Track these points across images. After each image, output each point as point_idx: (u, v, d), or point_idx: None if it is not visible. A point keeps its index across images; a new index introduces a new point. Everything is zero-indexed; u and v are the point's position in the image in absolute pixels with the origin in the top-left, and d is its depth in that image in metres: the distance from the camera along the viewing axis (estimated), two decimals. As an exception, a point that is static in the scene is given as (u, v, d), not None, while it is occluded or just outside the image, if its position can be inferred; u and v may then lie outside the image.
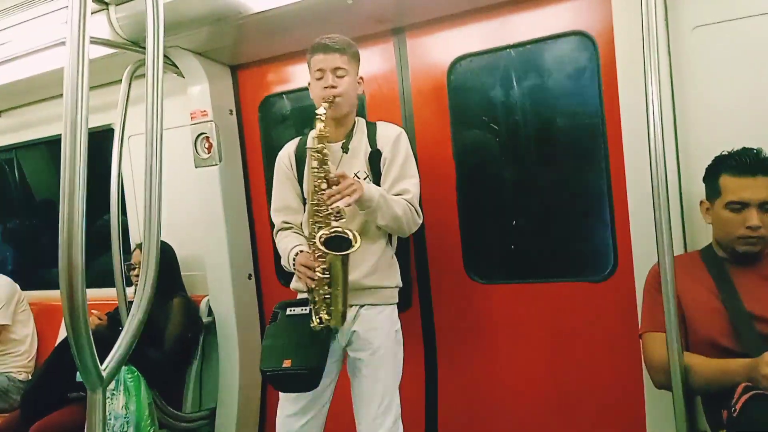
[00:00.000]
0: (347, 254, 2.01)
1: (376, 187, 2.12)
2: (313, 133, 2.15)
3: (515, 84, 2.77)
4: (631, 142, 2.32)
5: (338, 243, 2.03)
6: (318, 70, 2.20)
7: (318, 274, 2.04)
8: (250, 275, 3.31)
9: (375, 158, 2.25)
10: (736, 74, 2.20)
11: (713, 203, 1.98)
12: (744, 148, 1.93)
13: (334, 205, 2.03)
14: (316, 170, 2.09)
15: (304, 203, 2.30)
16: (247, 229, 3.35)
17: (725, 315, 1.88)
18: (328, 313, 2.06)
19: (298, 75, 3.23)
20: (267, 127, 3.34)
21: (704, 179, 2.03)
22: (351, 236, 2.04)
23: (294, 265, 2.18)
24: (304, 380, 2.11)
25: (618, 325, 2.53)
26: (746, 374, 1.70)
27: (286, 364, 2.08)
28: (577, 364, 2.67)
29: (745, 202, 1.87)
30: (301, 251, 2.18)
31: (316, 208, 2.08)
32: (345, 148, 2.26)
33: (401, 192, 2.20)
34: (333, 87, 2.17)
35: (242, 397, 3.16)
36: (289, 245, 2.26)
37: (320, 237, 2.03)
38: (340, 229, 2.06)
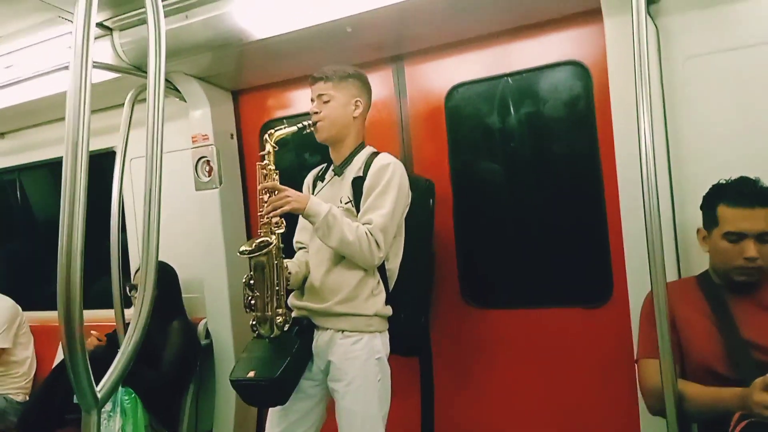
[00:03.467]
0: (261, 255, 2.09)
1: (328, 207, 2.14)
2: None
3: (512, 112, 2.81)
4: (624, 170, 2.34)
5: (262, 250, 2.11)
6: (311, 98, 2.35)
7: (243, 279, 2.14)
8: (248, 298, 3.31)
9: (358, 184, 2.28)
10: (728, 104, 2.23)
11: (711, 232, 1.97)
12: (742, 178, 1.93)
13: (268, 215, 2.13)
14: (261, 184, 2.20)
15: None
16: (246, 252, 3.35)
17: (722, 342, 1.88)
18: (258, 321, 2.15)
19: (299, 100, 3.26)
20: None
21: (701, 207, 2.03)
22: (270, 239, 2.11)
23: None
24: (266, 392, 2.16)
25: (613, 351, 2.52)
26: (740, 403, 1.69)
27: (250, 374, 2.14)
28: (573, 389, 2.66)
29: (743, 233, 1.86)
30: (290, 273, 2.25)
31: (261, 219, 2.17)
32: (338, 172, 2.35)
33: (366, 222, 2.18)
34: (316, 113, 2.30)
35: (238, 421, 3.15)
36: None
37: (242, 250, 2.12)
38: (263, 239, 2.13)
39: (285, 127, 2.27)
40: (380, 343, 2.23)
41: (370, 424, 2.14)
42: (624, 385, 2.42)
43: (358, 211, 2.25)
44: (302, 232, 2.44)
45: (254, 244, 2.11)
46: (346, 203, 2.27)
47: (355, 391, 2.15)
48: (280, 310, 2.16)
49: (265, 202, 2.16)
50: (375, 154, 2.35)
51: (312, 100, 2.34)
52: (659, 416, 1.91)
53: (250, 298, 2.13)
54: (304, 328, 2.24)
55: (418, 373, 2.94)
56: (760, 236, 1.86)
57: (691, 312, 1.97)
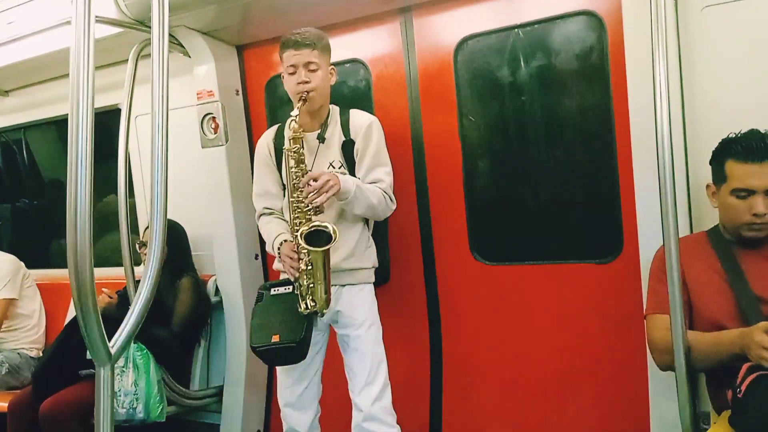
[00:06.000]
0: (327, 249, 2.15)
1: (352, 179, 2.24)
2: (288, 134, 2.24)
3: (523, 64, 2.75)
4: (638, 123, 2.31)
5: (318, 236, 2.16)
6: (290, 65, 2.27)
7: (302, 266, 2.17)
8: (256, 255, 3.33)
9: (348, 148, 2.37)
10: (745, 55, 2.18)
11: (719, 188, 1.95)
12: (751, 131, 1.90)
13: (314, 202, 2.14)
14: (294, 169, 2.21)
15: (284, 189, 2.40)
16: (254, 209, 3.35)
17: (732, 297, 1.87)
18: (313, 300, 2.20)
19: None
20: (273, 107, 3.32)
21: (711, 162, 2.00)
22: (330, 230, 2.16)
23: (279, 253, 2.33)
24: (293, 353, 2.25)
25: (623, 306, 2.53)
26: (739, 343, 1.70)
27: (275, 339, 2.23)
28: (582, 344, 2.68)
29: (751, 190, 1.85)
30: (285, 240, 2.30)
31: (296, 204, 2.20)
32: (321, 138, 2.36)
33: (375, 181, 2.34)
34: (306, 82, 2.25)
35: (249, 376, 3.19)
36: (272, 232, 2.40)
37: (301, 233, 2.15)
38: (319, 224, 2.18)
39: (297, 108, 2.23)
40: (374, 292, 2.47)
41: (378, 361, 2.37)
42: (633, 339, 2.43)
43: (350, 172, 2.36)
44: (268, 198, 2.48)
45: (313, 232, 2.16)
46: (339, 168, 2.35)
47: (364, 335, 2.37)
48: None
49: (302, 189, 2.16)
50: (344, 111, 2.43)
51: (293, 66, 2.27)
52: (667, 371, 1.92)
53: (310, 283, 2.19)
54: None
55: (427, 329, 2.97)
56: None
57: (702, 268, 1.96)
